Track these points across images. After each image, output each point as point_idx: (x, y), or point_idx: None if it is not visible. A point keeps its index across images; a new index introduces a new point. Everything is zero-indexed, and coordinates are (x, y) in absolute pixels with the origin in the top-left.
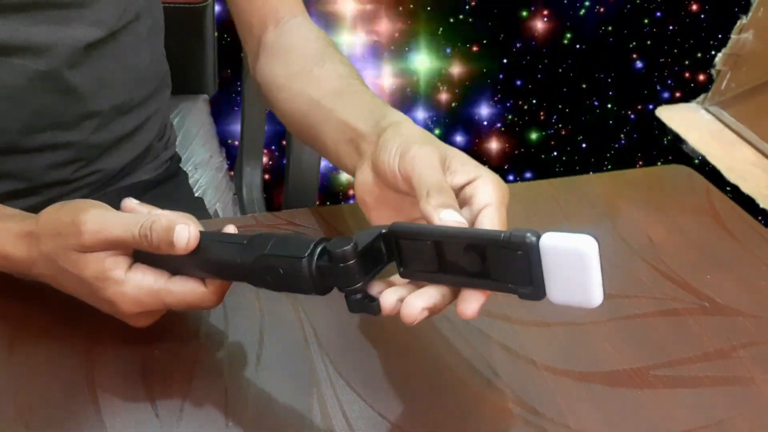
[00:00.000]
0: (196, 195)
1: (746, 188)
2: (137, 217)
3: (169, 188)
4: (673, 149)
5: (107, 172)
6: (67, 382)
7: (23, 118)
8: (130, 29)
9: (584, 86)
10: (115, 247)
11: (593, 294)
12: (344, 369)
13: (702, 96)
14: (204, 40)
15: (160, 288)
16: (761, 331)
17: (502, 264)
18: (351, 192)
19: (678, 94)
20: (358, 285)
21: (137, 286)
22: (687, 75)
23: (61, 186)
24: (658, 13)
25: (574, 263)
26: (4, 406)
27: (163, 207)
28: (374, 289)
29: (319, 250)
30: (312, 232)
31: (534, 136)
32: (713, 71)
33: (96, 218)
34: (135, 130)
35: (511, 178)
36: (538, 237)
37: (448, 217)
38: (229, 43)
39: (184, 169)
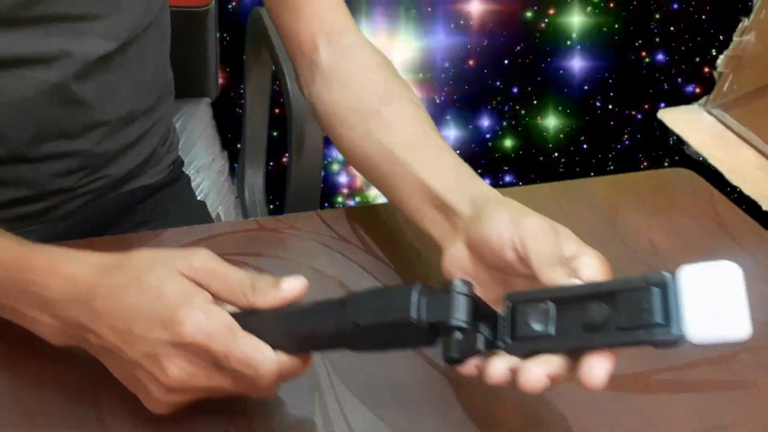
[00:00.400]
0: (199, 199)
1: (748, 190)
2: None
3: (171, 192)
4: (677, 151)
5: (111, 178)
6: (70, 389)
7: (31, 128)
8: (140, 40)
9: (586, 87)
10: (216, 282)
11: (742, 324)
12: (346, 374)
13: (704, 98)
14: (206, 43)
15: (234, 329)
16: (764, 335)
17: (634, 311)
18: (346, 191)
19: (686, 93)
20: (465, 321)
21: (213, 316)
22: (690, 76)
23: (65, 193)
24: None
25: (718, 293)
26: (6, 414)
27: (166, 211)
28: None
29: (424, 301)
30: (315, 236)
31: (533, 137)
32: (715, 73)
33: (211, 254)
34: (140, 138)
35: (508, 179)
36: (673, 273)
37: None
38: (230, 45)
39: (186, 172)
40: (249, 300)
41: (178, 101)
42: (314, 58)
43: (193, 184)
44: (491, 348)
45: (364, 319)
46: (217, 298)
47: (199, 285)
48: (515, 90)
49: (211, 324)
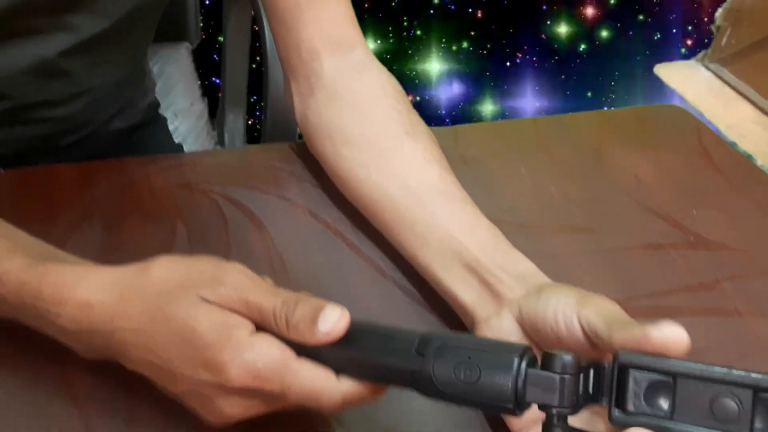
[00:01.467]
0: (177, 142)
1: (745, 146)
2: (283, 291)
3: (147, 134)
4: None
5: (87, 129)
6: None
7: (15, 99)
8: (135, 16)
9: (583, 47)
10: (248, 312)
11: None
12: None
13: (702, 53)
14: None
15: (287, 362)
16: (748, 265)
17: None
18: None
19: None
20: (568, 409)
21: (261, 353)
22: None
23: (37, 149)
24: None
25: None
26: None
27: (141, 152)
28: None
29: (525, 363)
30: (285, 167)
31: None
32: (713, 27)
33: (240, 274)
34: (119, 96)
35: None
36: None
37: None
38: None
39: (165, 116)
40: (288, 337)
41: (157, 45)
42: (316, 67)
43: (171, 128)
44: (591, 402)
45: (449, 388)
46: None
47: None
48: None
49: (259, 363)
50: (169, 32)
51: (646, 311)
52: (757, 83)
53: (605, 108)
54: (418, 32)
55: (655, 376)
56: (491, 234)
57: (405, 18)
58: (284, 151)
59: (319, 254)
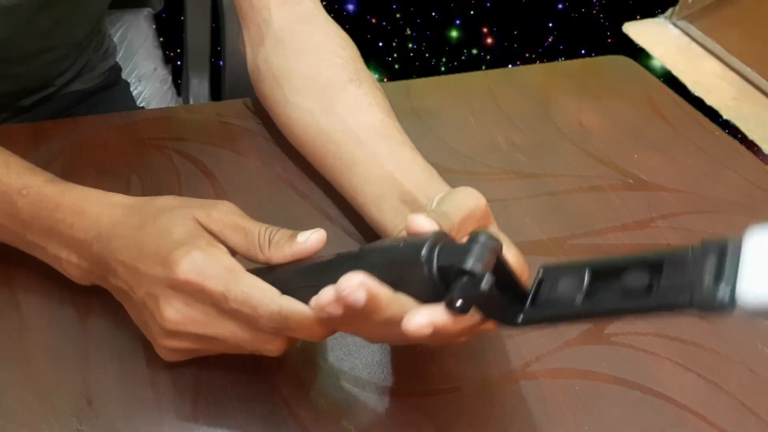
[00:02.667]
0: (141, 106)
1: (711, 101)
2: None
3: (107, 96)
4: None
5: (48, 90)
6: None
7: None
8: None
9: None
10: (234, 234)
11: None
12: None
13: (670, 10)
14: None
15: (234, 269)
16: (682, 203)
17: (682, 276)
18: None
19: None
20: (480, 271)
21: (212, 257)
22: None
23: (3, 104)
24: None
25: None
26: None
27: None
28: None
29: (441, 247)
30: (239, 122)
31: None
32: None
33: (231, 205)
34: (79, 57)
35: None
36: (732, 239)
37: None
38: None
39: (128, 81)
40: (266, 254)
41: (119, 11)
42: (265, 16)
43: (135, 93)
44: (509, 322)
45: (377, 262)
46: (236, 253)
47: (215, 236)
48: None
49: (207, 263)
50: None
51: (584, 249)
52: (723, 39)
53: None
54: None
55: (575, 274)
56: (426, 173)
57: None
58: (237, 106)
59: (270, 204)
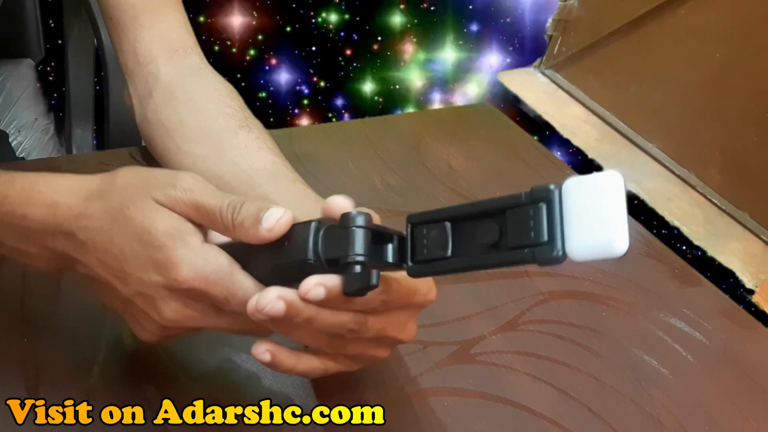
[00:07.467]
0: (20, 157)
1: (577, 142)
2: (231, 194)
3: None
4: (517, 109)
5: None
6: None
7: None
8: None
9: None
10: (197, 214)
11: (617, 236)
12: None
13: (538, 60)
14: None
15: (233, 271)
16: None
17: (522, 228)
18: None
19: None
20: (364, 255)
21: (210, 258)
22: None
23: None
24: None
25: (597, 201)
26: None
27: None
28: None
29: (322, 237)
30: None
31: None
32: (546, 36)
33: (193, 179)
34: None
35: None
36: (558, 187)
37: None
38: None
39: (6, 131)
40: (232, 235)
41: None
42: (152, 70)
43: (14, 143)
44: (398, 269)
45: (276, 261)
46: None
47: (182, 216)
48: None
49: (208, 267)
50: (10, 48)
51: (454, 277)
52: (585, 86)
53: None
54: None
55: (438, 226)
56: (319, 204)
57: None
58: (122, 156)
59: None
